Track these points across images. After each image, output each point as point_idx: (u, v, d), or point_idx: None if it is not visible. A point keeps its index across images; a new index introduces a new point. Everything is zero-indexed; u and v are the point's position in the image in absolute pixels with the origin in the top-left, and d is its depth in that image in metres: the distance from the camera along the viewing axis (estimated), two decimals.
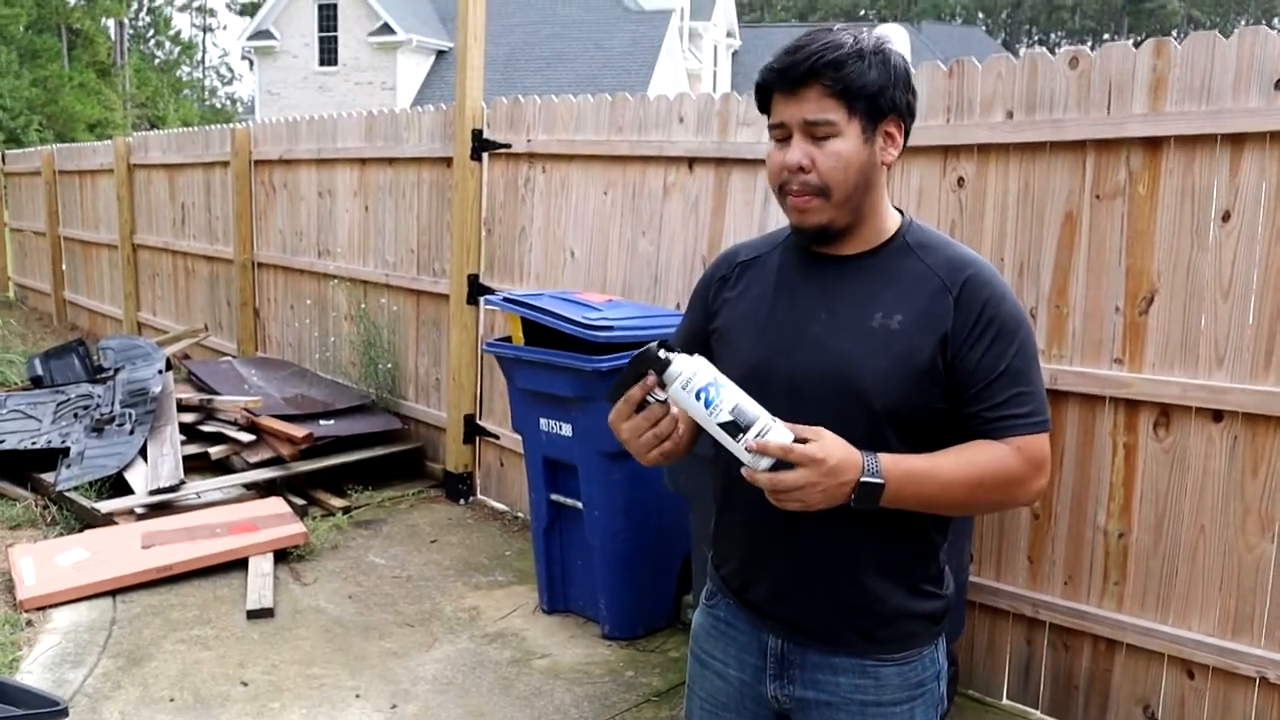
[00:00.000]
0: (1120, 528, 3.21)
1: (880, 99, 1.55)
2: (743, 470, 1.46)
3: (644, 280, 4.59)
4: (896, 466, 1.49)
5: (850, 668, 1.64)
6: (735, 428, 1.46)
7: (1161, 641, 3.13)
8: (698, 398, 1.48)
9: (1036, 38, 64.49)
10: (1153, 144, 3.06)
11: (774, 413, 1.50)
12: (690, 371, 1.49)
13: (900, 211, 1.68)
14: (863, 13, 63.53)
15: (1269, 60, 2.83)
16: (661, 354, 1.50)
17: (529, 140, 5.10)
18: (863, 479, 1.45)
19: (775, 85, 1.57)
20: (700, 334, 1.77)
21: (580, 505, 3.90)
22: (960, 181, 3.49)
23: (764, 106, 1.62)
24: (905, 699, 1.65)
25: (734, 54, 36.31)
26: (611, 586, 3.90)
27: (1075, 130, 3.18)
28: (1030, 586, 3.42)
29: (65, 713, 1.66)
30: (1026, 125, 3.29)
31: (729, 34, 35.76)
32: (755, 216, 4.17)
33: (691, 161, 4.36)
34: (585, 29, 28.19)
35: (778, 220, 4.11)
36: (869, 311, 1.59)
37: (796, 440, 1.44)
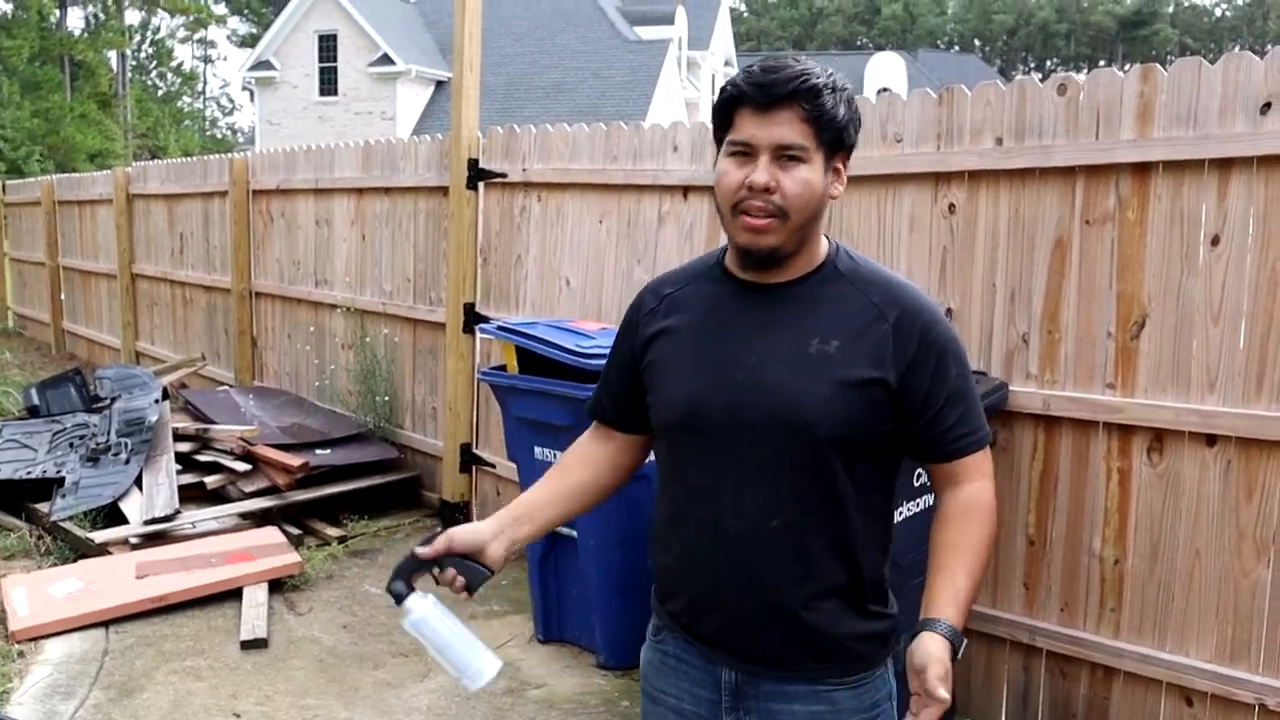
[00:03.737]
0: (1116, 553, 3.20)
1: (843, 134, 1.58)
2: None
3: None
4: (959, 613, 1.53)
5: (804, 694, 1.64)
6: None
7: (1159, 669, 3.11)
8: (423, 634, 1.64)
9: (1032, 64, 64.94)
10: (1141, 169, 3.07)
11: (715, 448, 1.60)
12: (419, 613, 1.63)
13: (828, 239, 1.68)
14: (860, 41, 64.00)
15: (1254, 85, 2.85)
16: (396, 589, 1.63)
17: (525, 169, 5.12)
18: (958, 657, 1.51)
19: (749, 101, 1.56)
20: (630, 369, 1.77)
21: (575, 534, 3.89)
22: (951, 208, 3.51)
23: (724, 120, 1.60)
24: None
25: None
26: (607, 616, 3.88)
27: (1064, 156, 3.20)
28: (1027, 613, 3.41)
29: None
30: (1016, 152, 3.31)
31: (726, 63, 36.01)
32: None
33: (686, 190, 4.37)
34: (584, 59, 28.40)
35: None
36: (805, 338, 1.59)
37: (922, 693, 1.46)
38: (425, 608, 1.63)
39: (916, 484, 2.92)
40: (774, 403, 1.57)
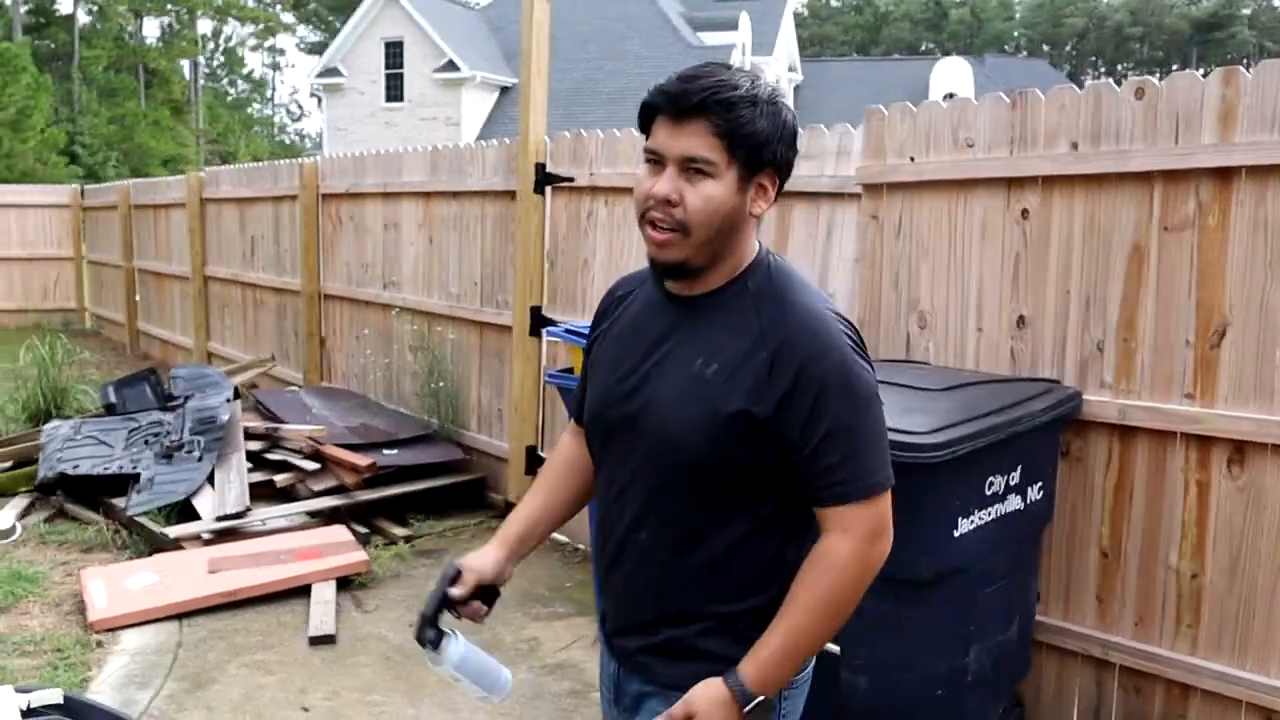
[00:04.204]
0: (1193, 568, 3.12)
1: (763, 150, 1.51)
2: None
3: None
4: (758, 670, 1.49)
5: (658, 697, 1.63)
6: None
7: (1238, 687, 3.03)
8: (464, 673, 1.70)
9: (1102, 69, 63.71)
10: (1223, 174, 3.00)
11: (611, 454, 1.65)
12: (459, 654, 1.69)
13: (762, 249, 1.62)
14: (924, 46, 63.33)
15: None
16: (430, 636, 1.68)
17: (591, 174, 5.15)
18: (748, 709, 1.48)
19: (661, 110, 1.52)
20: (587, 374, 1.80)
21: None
22: (1024, 214, 3.46)
23: (645, 127, 1.56)
24: None
25: (795, 88, 36.36)
26: None
27: (1142, 161, 3.14)
28: (1099, 627, 3.34)
29: None
30: (1092, 156, 3.25)
31: (790, 68, 35.82)
32: (818, 249, 4.16)
33: None
34: (647, 64, 28.44)
35: (841, 254, 4.11)
36: (693, 356, 1.55)
37: None
38: (461, 648, 1.69)
39: (988, 492, 2.88)
40: (651, 418, 1.56)
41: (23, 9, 37.38)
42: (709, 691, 1.49)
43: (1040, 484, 3.13)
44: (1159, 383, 3.17)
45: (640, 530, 1.60)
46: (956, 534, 2.79)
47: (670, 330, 1.60)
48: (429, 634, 1.66)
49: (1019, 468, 2.99)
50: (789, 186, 4.30)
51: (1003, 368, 3.54)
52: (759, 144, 1.50)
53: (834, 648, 2.95)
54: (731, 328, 1.55)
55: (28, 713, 1.22)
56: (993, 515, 2.94)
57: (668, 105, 1.51)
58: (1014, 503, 3.00)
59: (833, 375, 1.50)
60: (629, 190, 4.97)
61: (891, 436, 2.63)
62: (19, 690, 1.23)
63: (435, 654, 1.67)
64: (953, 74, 33.84)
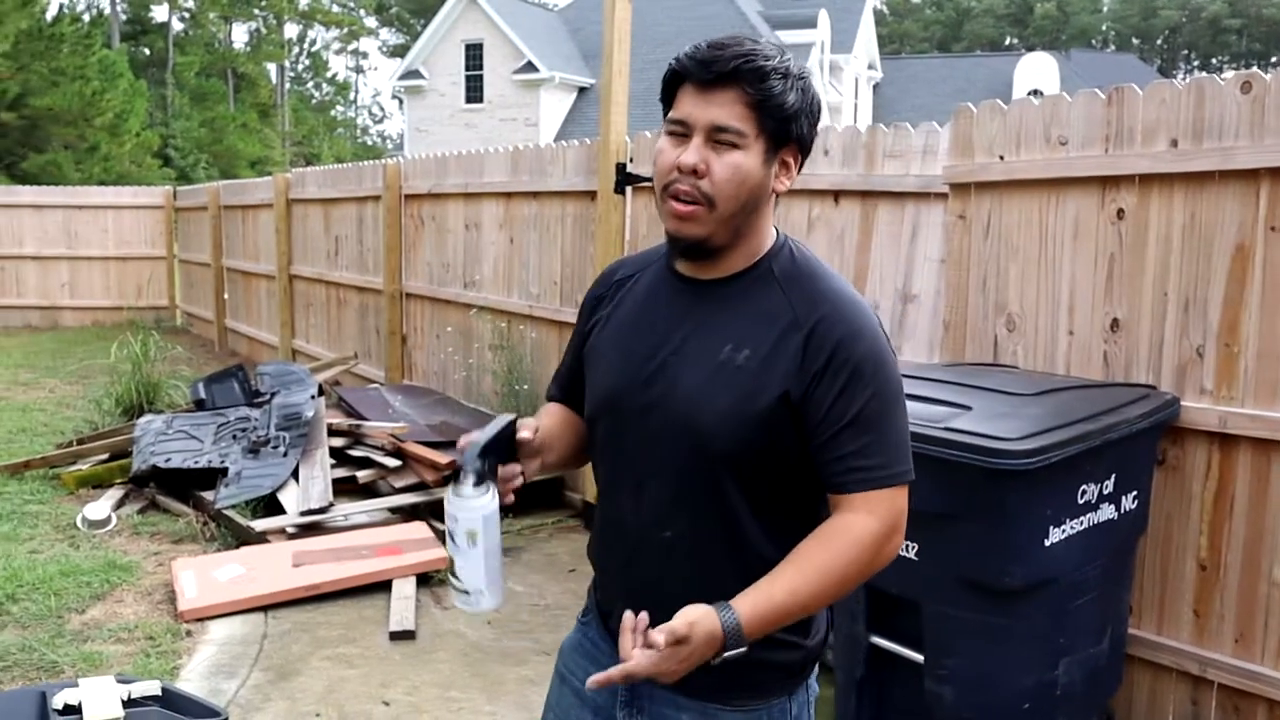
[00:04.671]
0: None
1: (791, 124, 1.47)
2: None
3: None
4: (753, 615, 1.39)
5: (692, 708, 1.55)
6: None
7: None
8: (485, 530, 1.46)
9: (1195, 63, 61.78)
10: None
11: (625, 446, 1.54)
12: (491, 506, 1.46)
13: (779, 234, 1.57)
14: (1008, 41, 62.10)
15: None
16: (478, 469, 1.46)
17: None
18: (725, 655, 1.38)
19: (690, 77, 1.47)
20: (578, 352, 1.72)
21: None
22: (1120, 213, 3.35)
23: (668, 98, 1.51)
24: None
25: (875, 86, 35.95)
26: None
27: (1248, 158, 3.02)
28: (1196, 642, 3.22)
29: None
30: (1193, 154, 3.14)
31: (870, 66, 35.43)
32: (903, 249, 4.09)
33: (837, 194, 4.31)
34: None
35: (926, 255, 4.03)
36: (718, 343, 1.49)
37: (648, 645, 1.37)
38: (494, 505, 1.49)
39: (1081, 501, 2.80)
40: (675, 408, 1.49)
41: (121, 17, 38.66)
42: (706, 624, 1.37)
43: (1135, 493, 3.03)
44: (1263, 389, 3.04)
45: (665, 528, 1.52)
46: (1047, 543, 2.72)
47: (686, 316, 1.54)
48: (478, 465, 1.46)
49: (1113, 476, 2.90)
50: (874, 186, 4.26)
51: (1095, 372, 3.43)
52: (788, 117, 1.46)
53: (917, 655, 2.90)
54: (761, 313, 1.49)
55: (128, 703, 1.25)
56: (1085, 524, 2.85)
57: (698, 71, 1.45)
58: (1107, 512, 2.91)
59: (867, 359, 1.46)
60: None
61: (981, 442, 2.60)
62: (120, 681, 1.26)
63: (475, 491, 1.46)
64: (1038, 70, 33.12)
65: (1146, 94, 3.27)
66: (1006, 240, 3.66)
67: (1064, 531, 2.76)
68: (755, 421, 1.45)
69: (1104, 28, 63.19)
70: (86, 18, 28.41)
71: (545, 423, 1.69)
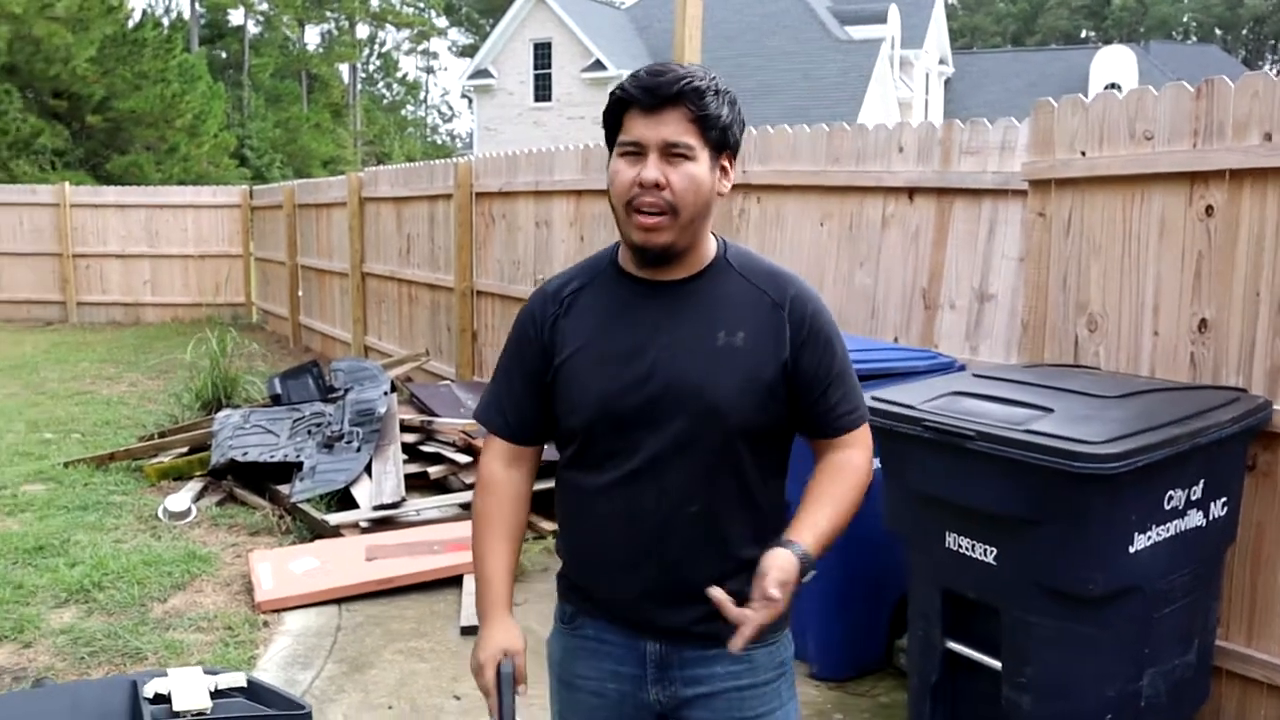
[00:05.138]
0: None
1: (727, 133, 1.66)
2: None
3: (860, 313, 4.50)
4: (815, 543, 1.63)
5: (725, 657, 1.69)
6: None
7: None
8: None
9: None
10: None
11: (632, 444, 1.68)
12: None
13: (715, 236, 1.77)
14: (1084, 34, 60.74)
15: None
16: None
17: (744, 171, 5.10)
18: (804, 579, 1.60)
19: (637, 103, 1.63)
20: (535, 379, 1.79)
21: None
22: (1208, 210, 3.25)
23: (614, 123, 1.67)
24: (774, 677, 1.79)
25: (946, 81, 35.42)
26: (821, 626, 3.81)
27: None
28: None
29: (309, 717, 1.76)
30: None
31: (941, 61, 34.91)
32: (979, 248, 4.01)
33: (912, 192, 4.25)
34: (793, 60, 28.18)
35: (1003, 253, 3.96)
36: (710, 331, 1.69)
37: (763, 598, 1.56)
38: None
39: (1168, 507, 2.72)
40: (688, 393, 1.66)
41: (199, 21, 39.61)
42: (787, 558, 1.59)
43: (1224, 500, 2.94)
44: None
45: (692, 504, 1.68)
46: (1132, 550, 2.64)
47: (665, 315, 1.70)
48: None
49: (1201, 481, 2.81)
50: (950, 183, 4.19)
51: (1181, 374, 3.33)
52: (724, 127, 1.65)
53: (994, 662, 2.84)
54: (740, 300, 1.71)
55: (215, 693, 1.27)
56: (1171, 531, 2.77)
57: (645, 97, 1.62)
58: (1195, 519, 2.82)
59: (830, 325, 1.76)
60: (781, 187, 4.93)
61: (1064, 445, 2.54)
62: (207, 672, 1.28)
63: None
64: (1115, 64, 32.36)
65: (1238, 86, 3.16)
66: (1089, 238, 3.58)
67: (1149, 538, 2.69)
68: (764, 391, 1.68)
69: (1185, 19, 61.45)
70: (166, 22, 29.11)
71: (504, 558, 1.83)
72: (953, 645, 2.99)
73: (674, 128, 1.62)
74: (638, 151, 1.63)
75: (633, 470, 1.70)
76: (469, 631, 4.27)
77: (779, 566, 1.57)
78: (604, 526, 1.75)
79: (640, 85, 1.64)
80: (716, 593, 1.57)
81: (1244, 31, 61.03)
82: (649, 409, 1.68)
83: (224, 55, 41.63)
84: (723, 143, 1.67)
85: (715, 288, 1.72)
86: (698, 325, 1.69)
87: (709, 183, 1.66)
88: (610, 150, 1.70)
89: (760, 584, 1.56)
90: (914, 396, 3.05)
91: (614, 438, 1.71)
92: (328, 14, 45.63)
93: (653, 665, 1.77)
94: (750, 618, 1.54)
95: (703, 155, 1.64)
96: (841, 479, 1.73)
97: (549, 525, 5.51)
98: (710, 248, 1.76)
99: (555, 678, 1.90)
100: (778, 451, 1.77)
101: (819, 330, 1.73)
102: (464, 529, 5.11)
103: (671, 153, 1.62)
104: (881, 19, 30.86)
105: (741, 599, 1.61)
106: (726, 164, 1.70)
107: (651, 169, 1.61)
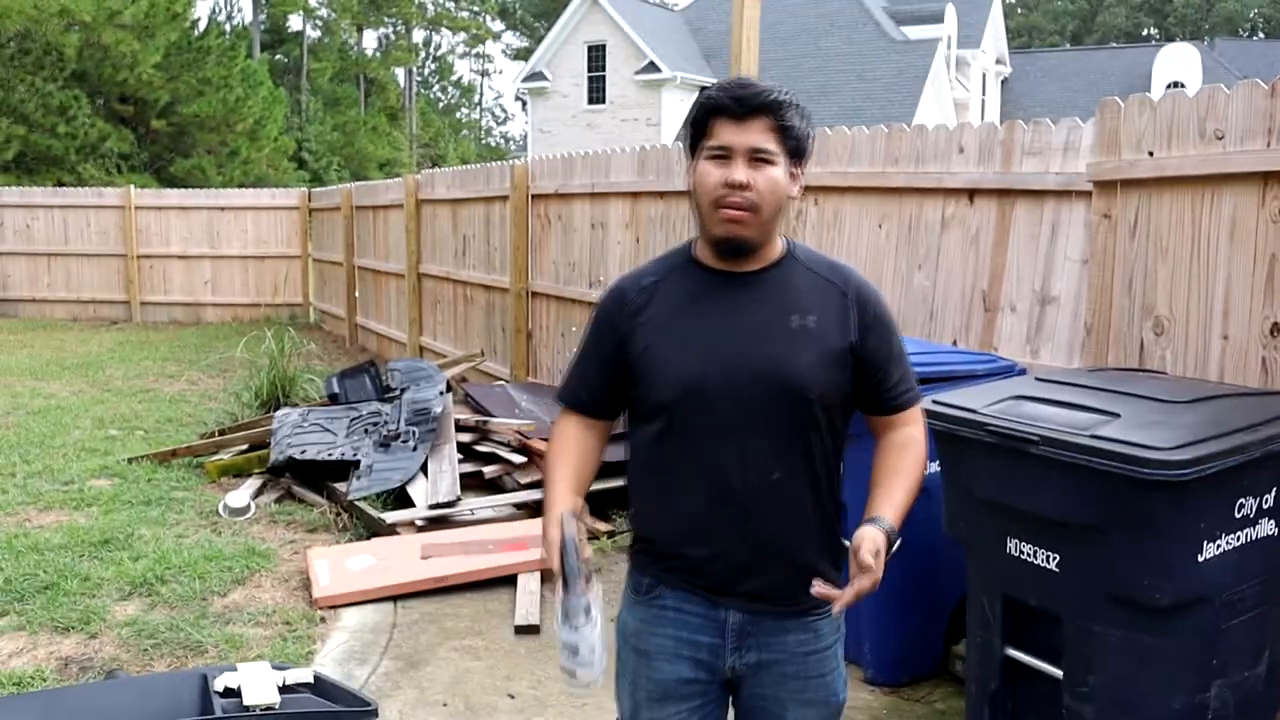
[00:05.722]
0: None
1: (802, 143, 1.85)
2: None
3: (919, 315, 4.45)
4: (895, 517, 1.82)
5: (796, 626, 1.93)
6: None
7: None
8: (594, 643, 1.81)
9: None
10: None
11: (717, 417, 1.84)
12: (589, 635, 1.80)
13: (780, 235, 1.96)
14: (1145, 31, 59.58)
15: None
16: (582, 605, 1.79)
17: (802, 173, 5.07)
18: (893, 549, 1.78)
19: (726, 112, 1.82)
20: (614, 361, 1.96)
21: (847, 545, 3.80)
22: None
23: (702, 128, 1.85)
24: (833, 642, 2.00)
25: (1003, 81, 34.94)
26: (877, 631, 3.77)
27: None
28: None
29: (376, 714, 1.78)
30: None
31: (999, 61, 34.44)
32: (1041, 249, 3.95)
33: (972, 193, 4.19)
34: (849, 61, 27.97)
35: (1066, 255, 3.89)
36: (784, 315, 1.87)
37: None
38: (597, 600, 1.81)
39: (1238, 515, 2.65)
40: (770, 371, 1.84)
41: (260, 27, 40.29)
42: (875, 532, 1.76)
43: None
44: None
45: (774, 472, 1.85)
46: (1201, 559, 2.58)
47: (742, 301, 1.89)
48: (583, 604, 1.78)
49: (1273, 490, 2.73)
50: (1011, 184, 4.14)
51: (1252, 379, 3.25)
52: (799, 137, 1.84)
53: (1056, 670, 2.79)
54: (810, 289, 1.90)
55: (283, 688, 1.28)
56: (1242, 540, 2.69)
57: (734, 106, 1.81)
58: (1266, 528, 2.75)
59: (889, 312, 1.98)
60: (840, 189, 4.90)
61: (1131, 451, 2.49)
62: (275, 667, 1.30)
63: (585, 620, 1.77)
64: (1179, 61, 31.71)
65: None
66: (1156, 240, 3.50)
67: (1219, 547, 2.62)
68: (835, 367, 1.87)
69: (1251, 15, 59.98)
70: (229, 29, 29.66)
71: (573, 472, 2.02)
72: (1012, 653, 2.94)
73: (759, 135, 1.80)
74: (726, 155, 1.81)
75: (718, 443, 1.86)
76: (523, 631, 4.30)
77: (870, 538, 1.74)
78: (692, 497, 1.89)
79: (730, 95, 1.82)
80: (821, 587, 1.76)
81: None
82: (732, 386, 1.84)
83: (284, 60, 42.29)
84: (797, 151, 1.85)
85: (786, 278, 1.91)
86: (772, 310, 1.87)
87: (785, 186, 1.84)
88: (692, 153, 1.87)
89: (856, 557, 1.72)
90: (975, 400, 3.00)
91: (699, 414, 1.86)
92: (385, 19, 46.16)
93: (733, 634, 1.93)
94: (848, 590, 1.72)
95: (781, 161, 1.82)
96: (907, 454, 1.92)
97: (602, 527, 5.52)
98: (778, 245, 1.94)
99: (629, 649, 2.03)
100: (842, 422, 1.93)
101: (881, 316, 1.93)
102: (518, 529, 5.15)
103: (755, 157, 1.80)
104: (938, 19, 30.54)
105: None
106: (798, 171, 1.88)
107: (739, 171, 1.79)
